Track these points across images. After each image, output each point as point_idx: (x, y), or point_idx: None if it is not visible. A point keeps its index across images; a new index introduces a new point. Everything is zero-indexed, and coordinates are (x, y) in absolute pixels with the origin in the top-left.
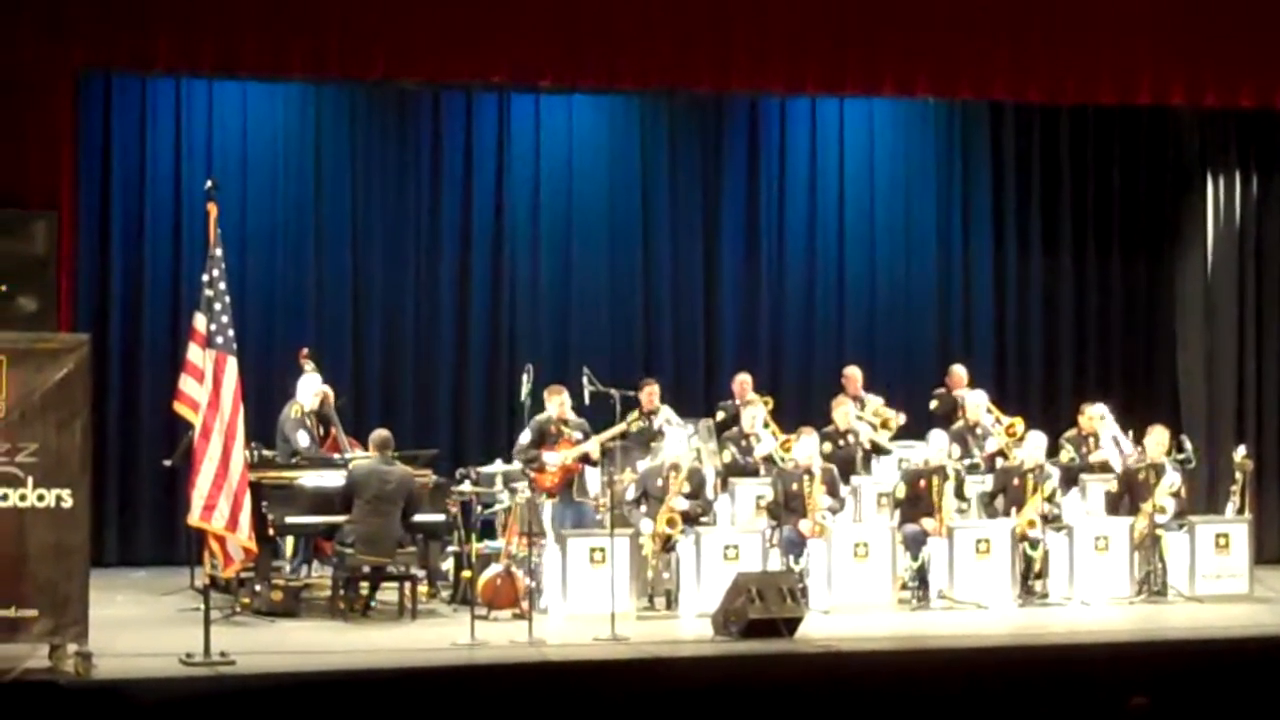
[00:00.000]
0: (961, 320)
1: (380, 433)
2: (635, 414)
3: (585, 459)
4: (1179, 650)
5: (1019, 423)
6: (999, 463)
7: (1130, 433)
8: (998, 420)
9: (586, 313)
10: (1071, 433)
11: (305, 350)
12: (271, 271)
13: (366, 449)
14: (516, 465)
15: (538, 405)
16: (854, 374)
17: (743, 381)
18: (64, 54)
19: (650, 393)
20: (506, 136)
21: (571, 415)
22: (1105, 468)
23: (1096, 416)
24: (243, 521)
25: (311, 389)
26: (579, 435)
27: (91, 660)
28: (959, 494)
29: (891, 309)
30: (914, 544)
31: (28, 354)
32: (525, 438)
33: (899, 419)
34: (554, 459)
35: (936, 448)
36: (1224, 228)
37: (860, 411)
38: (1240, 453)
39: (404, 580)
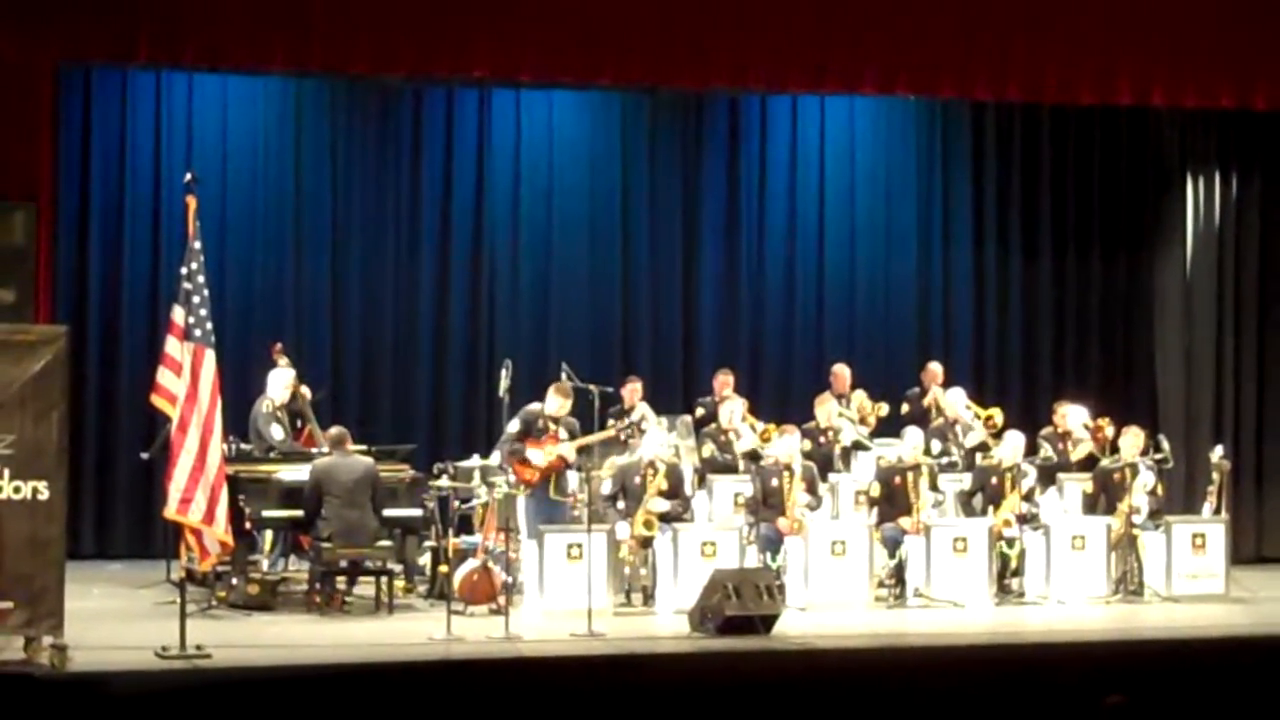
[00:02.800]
0: (941, 319)
1: (334, 429)
2: (621, 422)
3: (562, 460)
4: (1155, 650)
5: (997, 413)
6: (978, 458)
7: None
8: (976, 416)
9: (566, 309)
10: (1048, 430)
11: (278, 345)
12: (250, 265)
13: None
14: (494, 460)
15: (516, 401)
16: (842, 372)
17: (724, 379)
18: (44, 46)
19: (633, 390)
20: (487, 132)
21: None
22: (1087, 463)
23: (1063, 415)
24: (219, 515)
25: (282, 383)
26: (564, 434)
27: (67, 653)
28: (933, 486)
29: (871, 308)
30: (891, 542)
31: (5, 345)
32: (514, 427)
33: (881, 409)
34: (538, 456)
35: (911, 445)
36: (1203, 228)
37: (845, 409)
38: (1217, 453)
39: (381, 575)
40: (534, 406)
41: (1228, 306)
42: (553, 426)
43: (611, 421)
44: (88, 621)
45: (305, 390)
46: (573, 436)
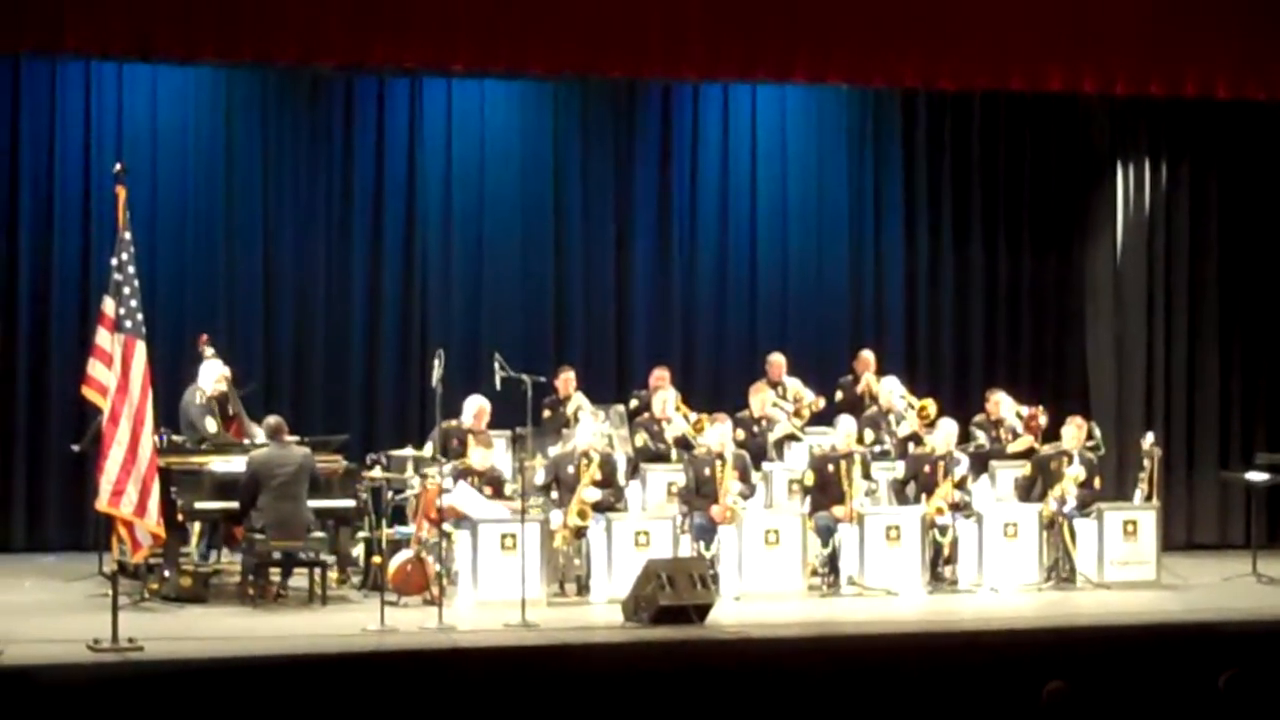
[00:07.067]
0: (873, 307)
1: (271, 419)
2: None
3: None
4: (1087, 637)
5: (930, 404)
6: (911, 447)
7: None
8: (910, 405)
9: (498, 299)
10: (980, 417)
11: (205, 336)
12: (181, 256)
13: None
14: (427, 450)
15: (449, 391)
16: (778, 360)
17: (659, 374)
18: None
19: (566, 379)
20: (419, 122)
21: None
22: (1021, 452)
23: (995, 402)
24: (151, 507)
25: (214, 375)
26: (489, 490)
27: None
28: (866, 475)
29: (803, 297)
30: (824, 531)
31: None
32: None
33: (817, 403)
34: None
35: (844, 433)
36: (1133, 216)
37: (780, 397)
38: (1148, 440)
39: (314, 566)
40: (460, 462)
41: (1158, 293)
42: (477, 481)
43: (547, 413)
44: (19, 615)
45: (228, 377)
46: (499, 487)
